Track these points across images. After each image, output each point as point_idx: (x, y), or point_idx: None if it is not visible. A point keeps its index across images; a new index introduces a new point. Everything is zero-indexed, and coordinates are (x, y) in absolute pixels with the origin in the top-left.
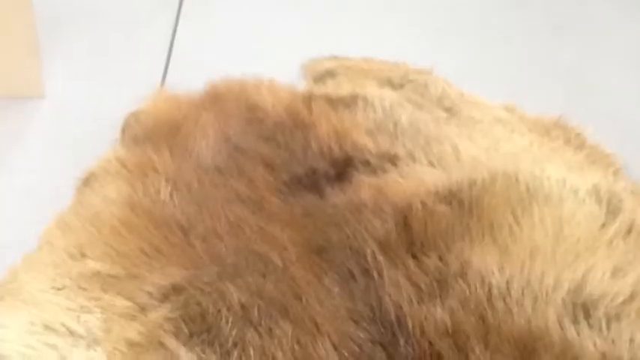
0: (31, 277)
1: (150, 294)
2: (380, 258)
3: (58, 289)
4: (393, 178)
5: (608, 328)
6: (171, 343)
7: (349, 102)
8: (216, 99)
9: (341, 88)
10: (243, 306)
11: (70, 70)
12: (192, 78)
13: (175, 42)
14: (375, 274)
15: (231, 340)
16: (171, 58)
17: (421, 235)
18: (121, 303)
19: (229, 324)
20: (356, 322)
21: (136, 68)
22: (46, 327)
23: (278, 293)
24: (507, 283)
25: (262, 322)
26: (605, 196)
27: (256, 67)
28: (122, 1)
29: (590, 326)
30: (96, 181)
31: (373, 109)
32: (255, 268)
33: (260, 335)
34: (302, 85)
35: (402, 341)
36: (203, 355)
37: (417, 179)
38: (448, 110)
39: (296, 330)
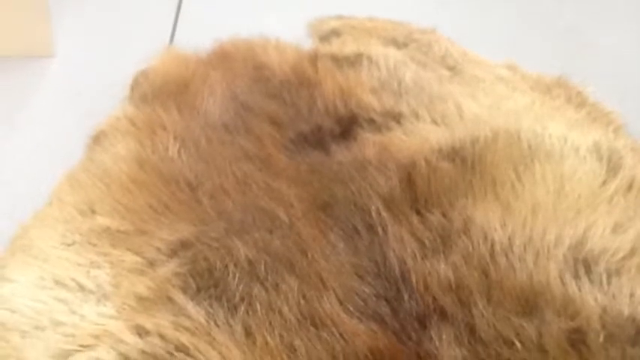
0: (41, 233)
1: (158, 249)
2: (384, 214)
3: (68, 245)
4: (397, 136)
5: (609, 283)
6: (180, 297)
7: (354, 61)
8: (223, 58)
9: (346, 46)
10: (249, 261)
11: (80, 29)
12: (199, 37)
13: (184, 1)
14: (380, 230)
15: (238, 295)
16: (180, 17)
17: (425, 191)
18: (130, 258)
19: (236, 279)
20: (361, 277)
21: (145, 27)
22: (57, 282)
23: (284, 249)
24: (509, 239)
25: (269, 278)
26: (606, 153)
27: (263, 27)
28: None
29: (590, 281)
30: (105, 139)
31: (378, 68)
32: (262, 224)
33: (266, 290)
34: (308, 44)
35: (406, 296)
36: (210, 310)
37: (421, 137)
38: (451, 69)
39: (302, 285)
